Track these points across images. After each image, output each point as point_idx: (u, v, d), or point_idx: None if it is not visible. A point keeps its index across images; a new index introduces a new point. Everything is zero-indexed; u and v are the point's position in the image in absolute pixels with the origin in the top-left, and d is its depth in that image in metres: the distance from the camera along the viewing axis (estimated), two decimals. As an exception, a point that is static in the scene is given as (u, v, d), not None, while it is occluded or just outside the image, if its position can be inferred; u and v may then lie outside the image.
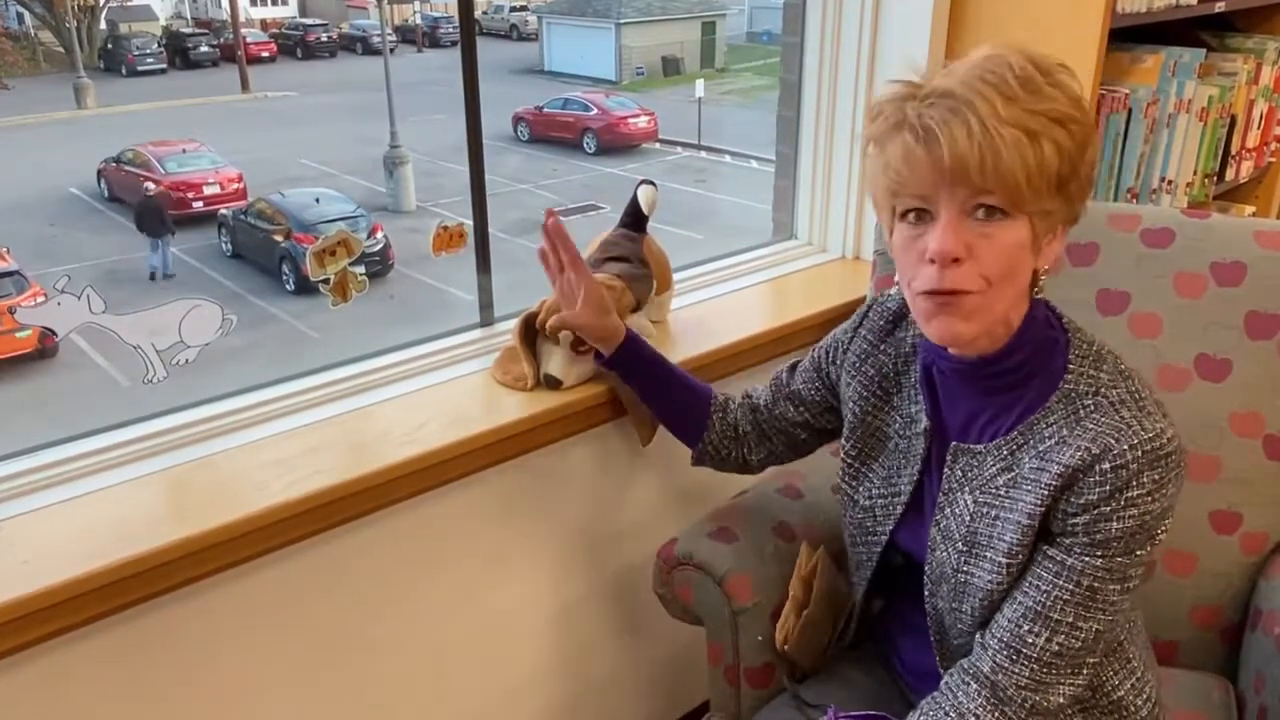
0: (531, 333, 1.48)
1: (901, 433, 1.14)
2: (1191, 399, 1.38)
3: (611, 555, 1.63)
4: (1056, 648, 0.98)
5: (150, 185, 10.47)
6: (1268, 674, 1.24)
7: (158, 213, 9.97)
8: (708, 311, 1.78)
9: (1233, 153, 2.28)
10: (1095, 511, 0.95)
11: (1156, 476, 0.94)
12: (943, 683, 1.06)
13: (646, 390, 1.37)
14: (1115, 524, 0.95)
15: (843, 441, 1.19)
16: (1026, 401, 1.02)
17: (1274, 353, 1.36)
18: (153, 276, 9.80)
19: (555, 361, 1.44)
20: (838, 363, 1.22)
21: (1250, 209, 2.52)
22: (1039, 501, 0.98)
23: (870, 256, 1.67)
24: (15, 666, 1.09)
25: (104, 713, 1.19)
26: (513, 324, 1.50)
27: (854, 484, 1.18)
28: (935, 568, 1.08)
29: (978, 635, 1.04)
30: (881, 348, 1.17)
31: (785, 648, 1.26)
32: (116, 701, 1.20)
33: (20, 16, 17.23)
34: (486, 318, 1.65)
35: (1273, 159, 2.52)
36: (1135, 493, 0.94)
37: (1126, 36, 1.89)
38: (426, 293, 8.87)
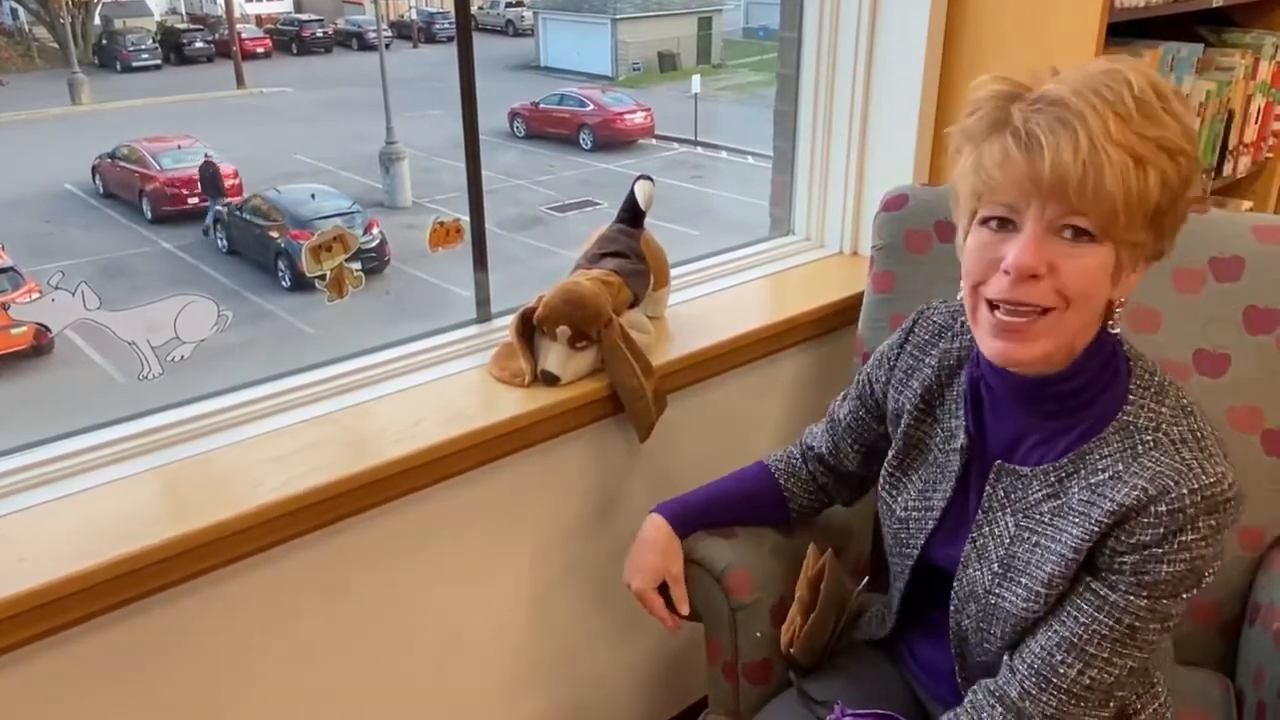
0: (529, 329, 1.47)
1: (941, 447, 1.11)
2: (1190, 394, 1.37)
3: (610, 551, 1.63)
4: (1088, 681, 0.96)
5: (210, 152, 11.05)
6: (1267, 669, 1.24)
7: (216, 178, 10.65)
8: (705, 307, 1.77)
9: (1230, 148, 2.28)
10: (1146, 552, 0.92)
11: (1213, 522, 0.91)
12: (966, 701, 1.04)
13: (719, 524, 1.33)
14: (1165, 567, 0.92)
15: (890, 454, 1.17)
16: (1080, 429, 0.98)
17: (1273, 347, 1.36)
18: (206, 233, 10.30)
19: (552, 357, 1.44)
20: (884, 379, 1.19)
21: (1248, 204, 2.52)
22: (1087, 536, 0.95)
23: (868, 252, 1.66)
24: (11, 665, 1.09)
25: (100, 710, 1.19)
26: (510, 320, 1.50)
27: (893, 494, 1.16)
28: (965, 585, 1.06)
29: (1006, 657, 1.02)
30: (926, 360, 1.14)
31: (790, 650, 1.26)
32: (112, 699, 1.19)
33: (14, 12, 17.14)
34: (483, 314, 1.64)
35: (1270, 154, 2.52)
36: (1190, 537, 0.91)
37: (1124, 31, 1.88)
38: (423, 289, 8.84)
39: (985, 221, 0.92)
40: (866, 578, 1.33)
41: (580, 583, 1.65)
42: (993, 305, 0.93)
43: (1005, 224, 0.91)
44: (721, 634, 1.32)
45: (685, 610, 1.30)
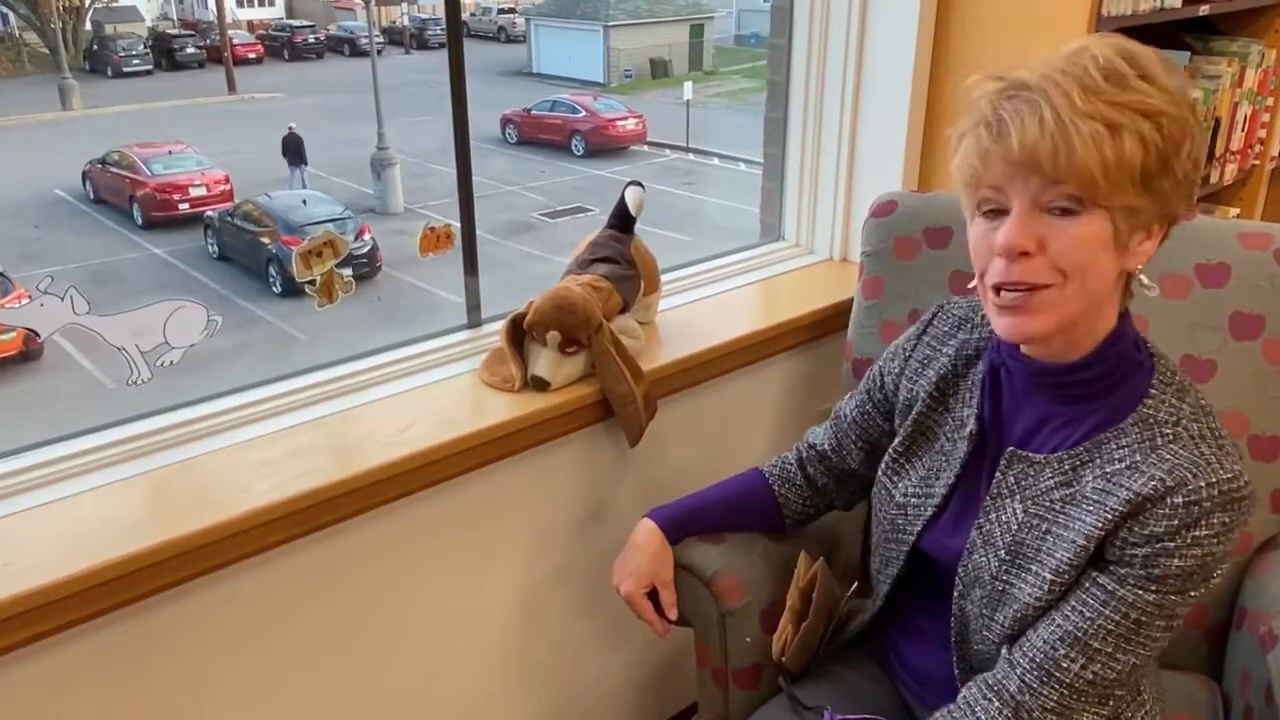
0: (519, 334, 1.47)
1: (949, 435, 1.12)
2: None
3: (600, 556, 1.63)
4: (1090, 676, 0.96)
5: (293, 124, 12.08)
6: (1253, 673, 1.24)
7: (298, 146, 11.89)
8: (695, 313, 1.78)
9: (1217, 155, 2.29)
10: (1159, 545, 0.92)
11: (1227, 519, 0.91)
12: (960, 696, 1.03)
13: (711, 530, 1.32)
14: (1176, 561, 0.92)
15: (896, 439, 1.17)
16: (1098, 417, 0.99)
17: (1258, 353, 1.37)
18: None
19: (542, 363, 1.44)
20: (897, 370, 1.20)
21: (1234, 211, 2.53)
22: (1100, 525, 0.95)
23: (857, 258, 1.66)
24: (-3, 670, 1.08)
25: (88, 716, 1.19)
26: (500, 325, 1.50)
27: (894, 479, 1.17)
28: (970, 571, 1.06)
29: (1004, 651, 1.02)
30: (944, 351, 1.15)
31: (782, 659, 1.26)
32: (99, 706, 1.19)
33: (5, 18, 17.11)
34: (474, 319, 1.64)
35: (1256, 161, 2.53)
36: (1203, 533, 0.91)
37: (1112, 39, 1.89)
38: (414, 294, 8.84)
39: (984, 212, 0.94)
40: (856, 583, 1.33)
41: (571, 587, 1.65)
42: (997, 289, 0.95)
43: (999, 213, 0.93)
44: (711, 639, 1.32)
45: (674, 616, 1.30)
